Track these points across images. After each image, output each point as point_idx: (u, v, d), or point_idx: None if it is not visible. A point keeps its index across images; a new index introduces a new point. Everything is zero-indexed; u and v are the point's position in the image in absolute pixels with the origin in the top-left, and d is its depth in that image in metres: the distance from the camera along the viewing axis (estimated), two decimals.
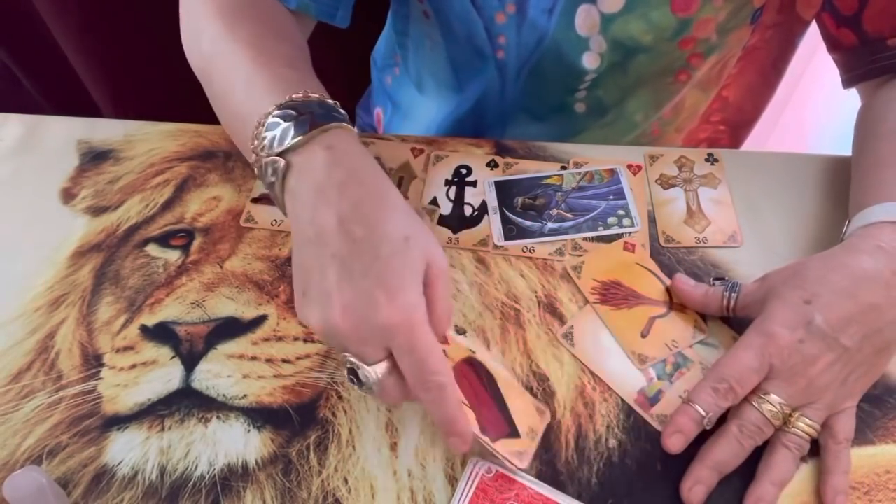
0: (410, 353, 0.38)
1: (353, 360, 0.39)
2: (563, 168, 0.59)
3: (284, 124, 0.41)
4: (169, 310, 0.52)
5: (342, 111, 0.44)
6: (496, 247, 0.55)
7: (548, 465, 0.44)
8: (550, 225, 0.56)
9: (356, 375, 0.40)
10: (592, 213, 0.56)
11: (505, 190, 0.58)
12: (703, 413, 0.42)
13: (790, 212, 0.57)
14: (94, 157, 0.63)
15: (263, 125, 0.42)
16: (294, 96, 0.43)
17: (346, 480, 0.44)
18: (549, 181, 0.58)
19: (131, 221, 0.58)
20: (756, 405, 0.42)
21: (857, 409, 0.46)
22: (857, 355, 0.42)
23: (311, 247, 0.39)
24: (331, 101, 0.44)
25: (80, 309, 0.53)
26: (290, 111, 0.42)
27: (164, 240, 0.57)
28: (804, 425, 0.42)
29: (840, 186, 0.59)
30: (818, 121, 1.25)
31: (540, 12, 0.58)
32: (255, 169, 0.44)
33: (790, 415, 0.42)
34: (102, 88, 0.99)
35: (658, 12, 0.55)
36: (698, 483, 0.42)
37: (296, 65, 0.48)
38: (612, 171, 0.59)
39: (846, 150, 0.58)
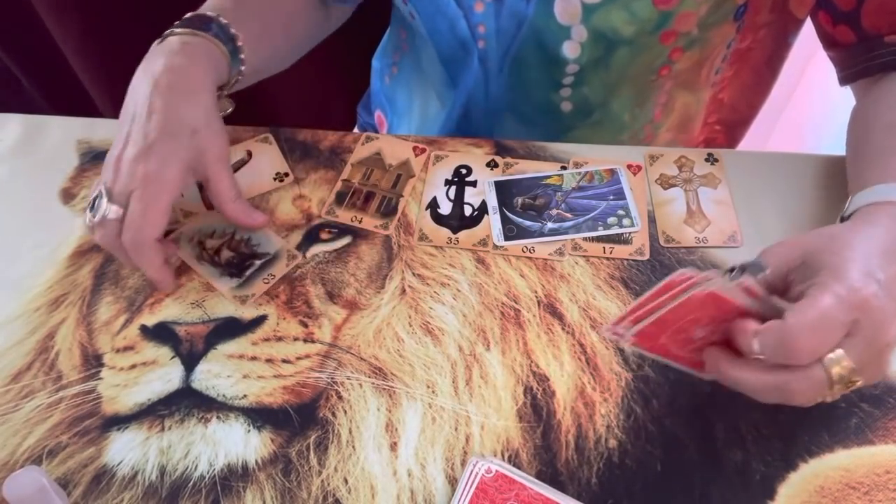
0: (139, 203, 0.48)
1: (103, 188, 0.49)
2: (563, 168, 0.59)
3: (180, 24, 0.55)
4: (169, 310, 0.52)
5: (233, 39, 0.55)
6: (496, 247, 0.55)
7: (548, 465, 0.44)
8: (550, 225, 0.56)
9: (94, 203, 0.50)
10: (592, 214, 0.56)
11: (505, 190, 0.58)
12: (759, 351, 0.37)
13: (790, 212, 0.57)
14: (94, 157, 0.63)
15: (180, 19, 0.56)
16: (201, 12, 0.56)
17: (346, 480, 0.44)
18: (549, 181, 0.58)
19: None
20: (825, 363, 0.36)
21: (857, 410, 0.46)
22: None
23: (130, 104, 0.51)
24: (232, 31, 0.55)
25: (79, 309, 0.53)
26: (189, 19, 0.55)
27: None
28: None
29: (840, 186, 0.58)
30: (818, 121, 1.25)
31: None
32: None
33: (852, 382, 0.36)
34: (102, 88, 0.99)
35: (639, 3, 0.56)
36: (711, 371, 0.40)
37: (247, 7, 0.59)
38: (612, 172, 0.59)
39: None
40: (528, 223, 0.56)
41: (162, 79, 0.50)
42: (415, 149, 0.62)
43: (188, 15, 0.55)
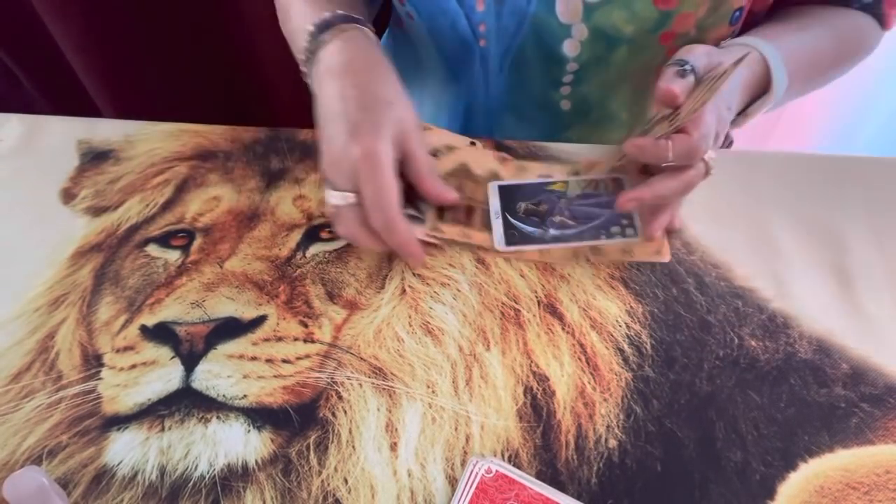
0: (368, 183, 0.46)
1: (329, 187, 0.49)
2: (576, 174, 0.58)
3: (319, 34, 0.54)
4: (169, 310, 0.52)
5: (365, 23, 0.55)
6: (497, 252, 0.55)
7: (548, 465, 0.44)
8: (553, 231, 0.55)
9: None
10: (595, 222, 0.55)
11: (509, 195, 0.57)
12: (671, 159, 0.49)
13: (790, 211, 0.57)
14: (94, 157, 0.63)
15: (307, 39, 0.54)
16: (326, 14, 0.54)
17: (346, 480, 0.44)
18: (553, 187, 0.58)
19: (131, 221, 0.58)
20: (707, 160, 0.51)
21: (857, 410, 0.46)
22: None
23: (321, 111, 0.51)
24: (356, 16, 0.55)
25: (80, 309, 0.53)
26: (323, 24, 0.54)
27: (164, 240, 0.57)
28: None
29: (840, 186, 0.59)
30: (818, 121, 1.25)
31: None
32: (304, 70, 0.56)
33: (711, 168, 0.52)
34: (102, 88, 0.99)
35: (640, 3, 0.56)
36: (635, 201, 0.50)
37: (338, 5, 0.59)
38: (618, 181, 0.58)
39: (846, 150, 0.58)
40: (529, 229, 0.55)
41: (345, 70, 0.51)
42: (497, 157, 0.60)
43: (317, 22, 0.54)
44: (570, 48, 0.61)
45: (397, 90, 0.51)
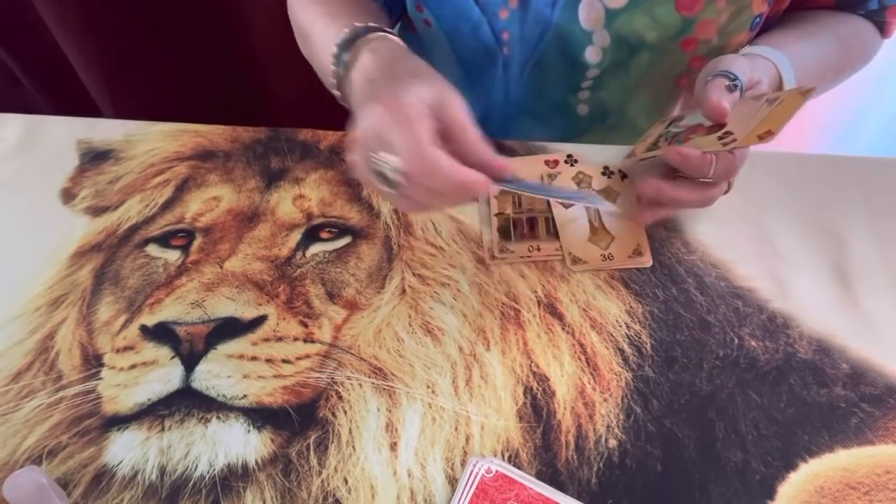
0: (395, 131, 0.41)
1: (374, 157, 0.43)
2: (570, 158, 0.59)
3: (344, 52, 0.51)
4: (169, 310, 0.52)
5: (389, 30, 0.52)
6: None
7: (548, 465, 0.44)
8: (534, 184, 0.55)
9: (383, 175, 0.43)
10: (569, 193, 0.56)
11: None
12: (711, 175, 0.50)
13: (790, 211, 0.57)
14: (94, 157, 0.63)
15: (335, 61, 0.52)
16: (346, 29, 0.52)
17: (346, 480, 0.44)
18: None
19: (131, 221, 0.58)
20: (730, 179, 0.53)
21: (857, 410, 0.46)
22: None
23: (360, 109, 0.45)
24: (377, 25, 0.53)
25: (80, 309, 0.53)
26: (348, 41, 0.51)
27: (164, 240, 0.57)
28: None
29: (840, 186, 0.59)
30: (818, 121, 1.25)
31: (543, 5, 0.58)
32: (338, 93, 0.54)
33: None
34: (102, 88, 0.99)
35: (663, 9, 0.56)
36: (656, 188, 0.51)
37: (358, 17, 0.57)
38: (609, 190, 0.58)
39: (846, 150, 0.58)
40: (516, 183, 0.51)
41: (379, 67, 0.48)
42: (547, 162, 0.60)
43: (340, 41, 0.52)
44: (592, 55, 0.60)
45: (433, 71, 0.47)
